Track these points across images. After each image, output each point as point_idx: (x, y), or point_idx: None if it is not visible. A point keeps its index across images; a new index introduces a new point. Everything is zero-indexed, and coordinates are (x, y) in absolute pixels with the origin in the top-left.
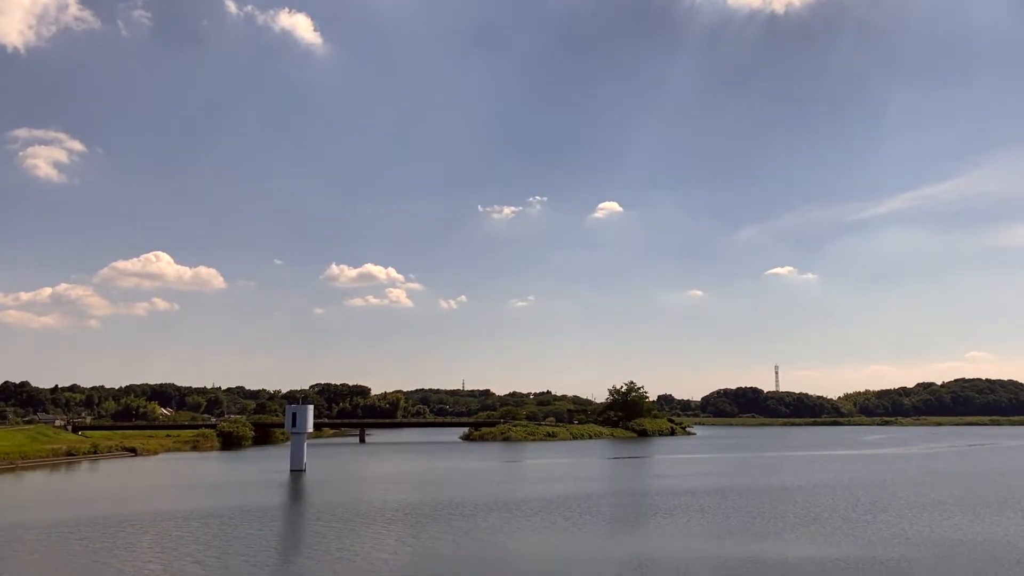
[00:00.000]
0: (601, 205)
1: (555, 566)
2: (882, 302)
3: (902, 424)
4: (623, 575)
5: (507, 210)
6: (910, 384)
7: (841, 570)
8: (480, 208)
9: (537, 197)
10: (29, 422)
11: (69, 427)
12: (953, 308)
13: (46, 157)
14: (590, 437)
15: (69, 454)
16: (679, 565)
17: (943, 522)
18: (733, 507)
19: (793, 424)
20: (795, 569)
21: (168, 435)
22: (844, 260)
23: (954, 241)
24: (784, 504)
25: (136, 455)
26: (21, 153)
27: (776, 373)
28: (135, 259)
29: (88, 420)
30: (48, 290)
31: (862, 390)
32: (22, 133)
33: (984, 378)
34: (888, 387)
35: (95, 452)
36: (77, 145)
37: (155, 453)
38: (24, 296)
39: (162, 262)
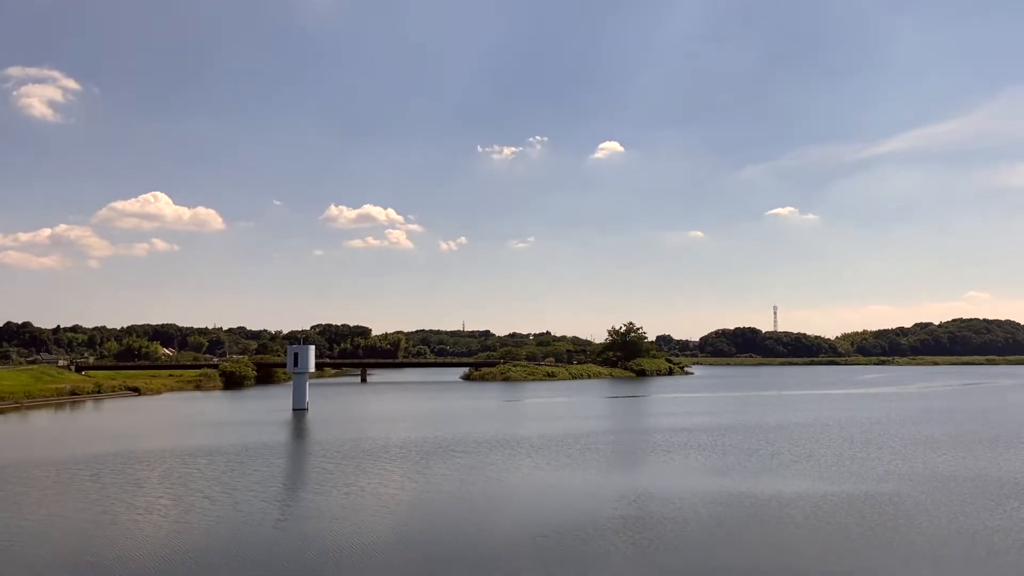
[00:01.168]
0: (602, 145)
1: (556, 501)
2: (882, 242)
3: (898, 364)
4: (621, 509)
5: (507, 151)
6: (908, 324)
7: (833, 505)
8: (480, 149)
9: (537, 137)
10: (32, 362)
11: (72, 367)
12: (953, 248)
13: (40, 96)
14: (589, 377)
15: (73, 394)
16: (676, 500)
17: (936, 458)
18: (729, 444)
19: (790, 364)
20: (789, 504)
21: (171, 375)
22: (845, 201)
23: (956, 181)
24: (780, 442)
25: (139, 395)
26: (15, 92)
27: (775, 313)
28: (133, 199)
29: (91, 360)
30: (47, 231)
31: (860, 330)
32: (15, 72)
33: (982, 318)
34: (886, 327)
35: (99, 392)
36: (72, 83)
37: (158, 393)
38: (23, 237)
39: (160, 203)
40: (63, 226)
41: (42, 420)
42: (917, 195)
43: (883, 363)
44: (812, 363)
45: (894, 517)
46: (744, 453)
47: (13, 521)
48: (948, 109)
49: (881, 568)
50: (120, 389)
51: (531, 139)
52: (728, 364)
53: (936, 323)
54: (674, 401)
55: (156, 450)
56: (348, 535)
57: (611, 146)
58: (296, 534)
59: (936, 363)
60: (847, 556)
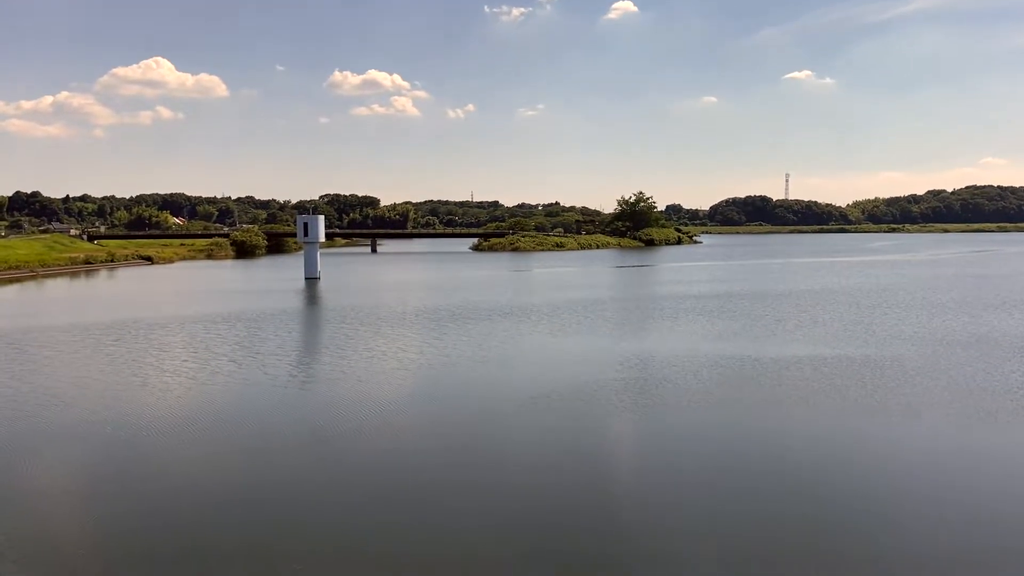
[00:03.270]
0: (615, 5)
1: (562, 365)
2: (899, 107)
3: (909, 231)
4: (624, 372)
5: (516, 11)
6: (920, 192)
7: (834, 367)
8: (487, 9)
9: None
10: (45, 231)
11: (84, 236)
12: (971, 112)
13: None
14: (597, 247)
15: (87, 262)
16: (678, 363)
17: (940, 323)
18: (735, 311)
19: (800, 232)
20: (790, 366)
21: (182, 244)
22: (864, 64)
23: (978, 42)
24: (786, 308)
25: (152, 263)
26: None
27: (786, 181)
28: (135, 66)
29: (102, 229)
30: (49, 98)
31: (871, 198)
32: None
33: (996, 185)
34: (898, 195)
35: (112, 260)
36: None
37: (171, 262)
38: (26, 105)
39: (163, 69)
40: (65, 93)
41: (59, 288)
42: (939, 57)
43: (893, 231)
44: (822, 231)
45: (893, 379)
46: (749, 319)
47: (46, 384)
48: None
49: (875, 427)
50: (133, 258)
51: None
52: (737, 233)
53: (949, 190)
54: (681, 270)
55: (175, 316)
56: (374, 395)
57: (625, 5)
58: (324, 394)
59: (947, 231)
60: (843, 415)
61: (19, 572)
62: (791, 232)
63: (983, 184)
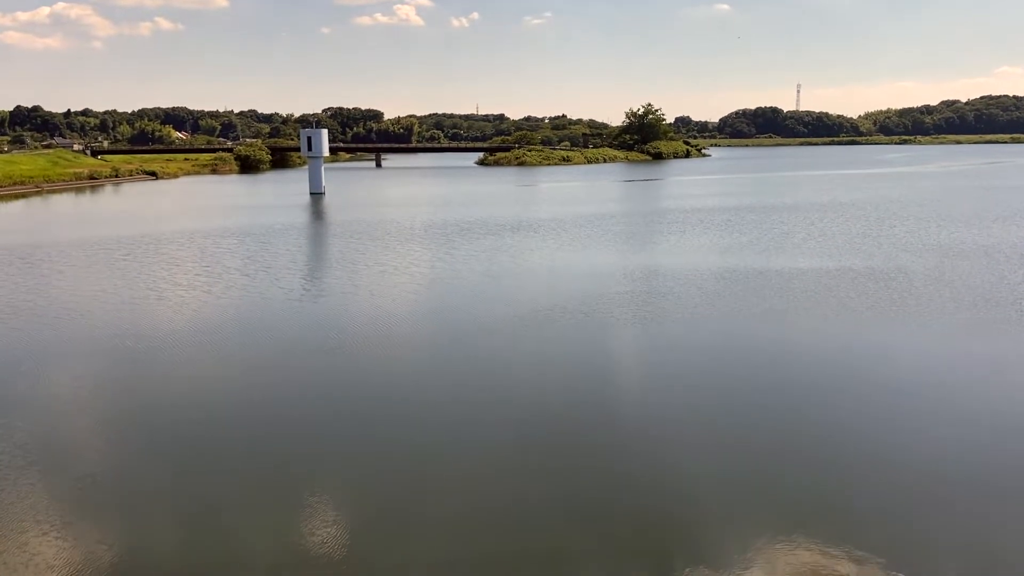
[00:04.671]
0: None
1: (567, 279)
2: (916, 14)
3: (921, 143)
4: (628, 285)
5: None
6: (934, 102)
7: (838, 279)
8: None
9: None
10: (47, 146)
11: (87, 151)
12: (989, 19)
13: None
14: (605, 161)
15: (91, 178)
16: (682, 276)
17: (947, 235)
18: (742, 225)
19: (810, 144)
20: (794, 278)
21: (186, 159)
22: None
23: None
24: (793, 221)
25: (156, 179)
26: None
27: (798, 92)
28: None
29: (105, 144)
30: (46, 9)
31: (883, 109)
32: None
33: (1011, 95)
34: (911, 106)
35: (116, 176)
36: None
37: (175, 177)
38: (22, 16)
39: None
40: (62, 4)
41: (65, 204)
42: None
43: (904, 143)
44: (832, 143)
45: (898, 291)
46: (756, 233)
47: (62, 298)
48: None
49: (878, 336)
50: (137, 173)
51: None
52: (746, 146)
53: (963, 100)
54: (690, 184)
55: (184, 231)
56: (386, 308)
57: None
58: (338, 308)
59: (959, 142)
60: (847, 326)
61: (41, 475)
62: (801, 145)
63: (998, 94)
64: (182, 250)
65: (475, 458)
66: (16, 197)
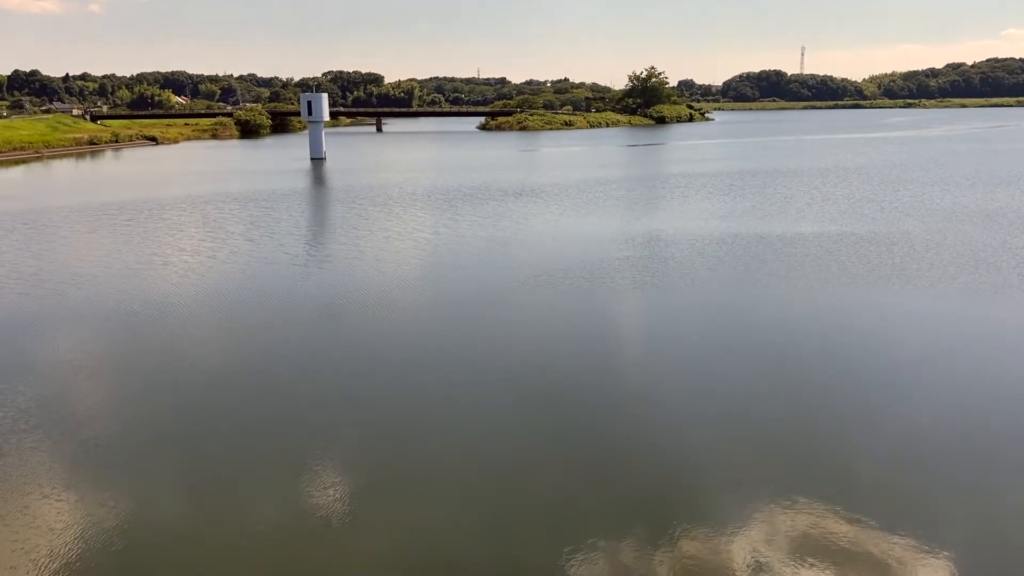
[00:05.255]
0: None
1: (569, 244)
2: None
3: (925, 107)
4: (629, 250)
5: None
6: (939, 65)
7: (840, 243)
8: None
9: None
10: (47, 111)
11: (87, 116)
12: None
13: None
14: (607, 125)
15: (91, 143)
16: (683, 241)
17: (951, 199)
18: (744, 190)
19: (814, 108)
20: (795, 243)
21: (186, 124)
22: None
23: None
24: (796, 186)
25: (157, 144)
26: None
27: (802, 55)
28: None
29: (105, 109)
30: None
31: (888, 72)
32: None
33: (1018, 57)
34: (916, 68)
35: (116, 141)
36: None
37: (176, 142)
38: None
39: None
40: None
41: (65, 169)
42: None
43: (909, 106)
44: (836, 107)
45: (900, 255)
46: (758, 197)
47: (68, 263)
48: None
49: (879, 300)
50: (137, 138)
51: None
52: (750, 109)
53: (969, 63)
54: (692, 148)
55: (186, 196)
56: (391, 273)
57: None
58: (344, 273)
59: (964, 105)
60: (848, 289)
61: (45, 438)
62: (805, 108)
63: (1004, 56)
64: (185, 215)
65: (478, 421)
66: (16, 163)
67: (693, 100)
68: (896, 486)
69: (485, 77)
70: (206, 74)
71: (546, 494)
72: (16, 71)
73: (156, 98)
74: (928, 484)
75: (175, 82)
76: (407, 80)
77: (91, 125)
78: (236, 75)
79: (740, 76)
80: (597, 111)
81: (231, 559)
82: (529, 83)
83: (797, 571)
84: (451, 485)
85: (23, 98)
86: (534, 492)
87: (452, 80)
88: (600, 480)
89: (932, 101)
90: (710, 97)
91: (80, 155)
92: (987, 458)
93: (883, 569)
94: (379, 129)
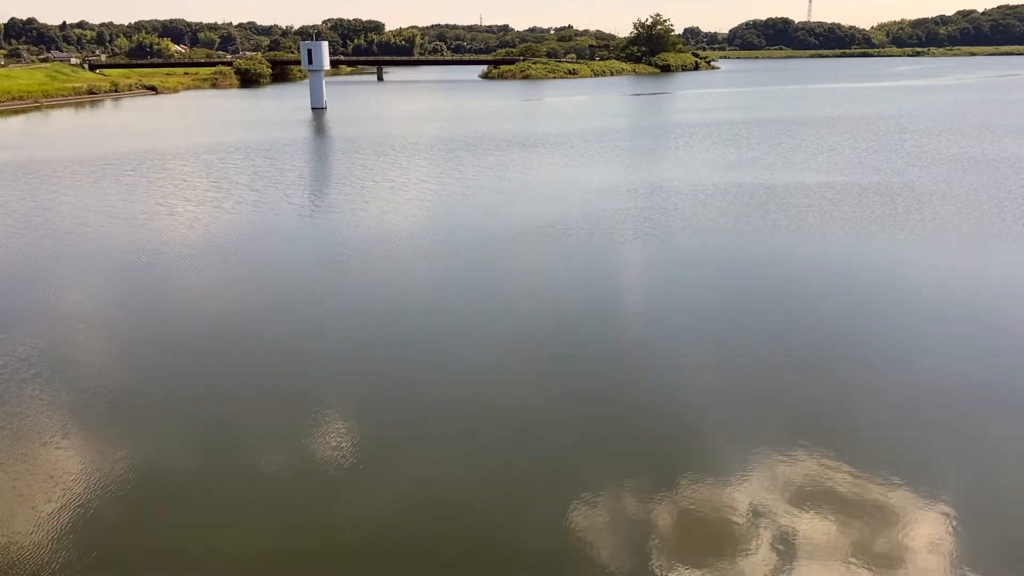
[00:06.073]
0: None
1: (581, 190)
2: None
3: (934, 55)
4: (631, 201)
5: None
6: (949, 12)
7: (840, 193)
8: None
9: None
10: (45, 60)
11: (85, 65)
12: None
13: None
14: (612, 74)
15: (91, 92)
16: (687, 192)
17: (957, 149)
18: (750, 139)
19: (821, 56)
20: (799, 193)
21: (186, 73)
22: None
23: None
24: (802, 136)
25: (157, 93)
26: None
27: (809, 1)
28: None
29: (103, 58)
30: None
31: (896, 19)
32: None
33: None
34: (925, 16)
35: (116, 90)
36: None
37: (175, 91)
38: None
39: None
40: None
41: (65, 119)
42: None
43: (918, 54)
44: (843, 55)
45: (904, 205)
46: (763, 147)
47: (74, 213)
48: None
49: (882, 249)
50: (136, 88)
51: None
52: (756, 58)
53: (980, 10)
54: (697, 97)
55: (188, 147)
56: (396, 223)
57: None
58: (351, 224)
59: (973, 54)
60: (851, 239)
61: (45, 384)
62: (812, 57)
63: (1016, 3)
64: (188, 165)
65: (482, 370)
66: (15, 112)
67: (699, 48)
68: (896, 433)
69: (488, 24)
70: (205, 22)
71: (550, 442)
72: (13, 19)
73: (155, 47)
74: (928, 431)
75: (174, 30)
76: (408, 28)
77: (90, 74)
78: (235, 23)
79: (746, 24)
80: (601, 59)
81: (237, 506)
82: (532, 31)
83: (797, 518)
84: (456, 434)
85: (20, 47)
86: (538, 439)
87: (454, 28)
88: (604, 428)
89: (941, 49)
90: (716, 45)
91: (79, 105)
92: (987, 406)
93: (883, 515)
94: (380, 78)
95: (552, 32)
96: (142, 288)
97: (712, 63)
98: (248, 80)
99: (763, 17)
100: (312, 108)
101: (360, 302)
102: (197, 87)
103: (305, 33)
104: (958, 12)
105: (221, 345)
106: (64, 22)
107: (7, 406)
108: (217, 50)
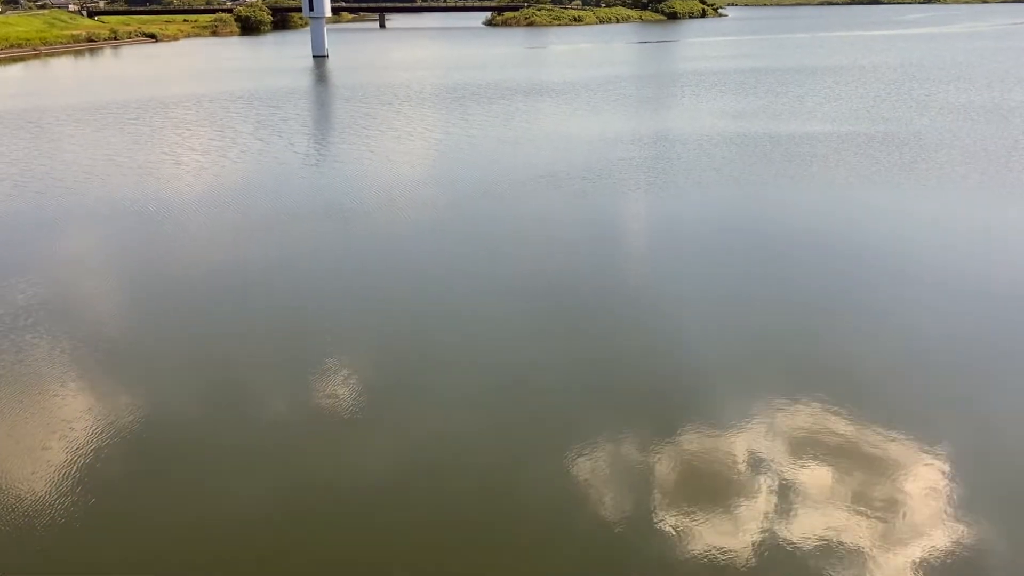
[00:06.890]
0: None
1: (586, 139)
2: None
3: (946, 3)
4: (635, 151)
5: None
6: None
7: (846, 143)
8: None
9: None
10: (42, 7)
11: (84, 12)
12: None
13: None
14: (617, 21)
15: (90, 40)
16: (691, 141)
17: (966, 98)
18: (757, 87)
19: (831, 4)
20: (803, 142)
21: (185, 20)
22: None
23: None
24: (810, 84)
25: (156, 41)
26: None
27: None
28: None
29: (102, 4)
30: None
31: None
32: None
33: None
34: None
35: (115, 38)
36: None
37: (175, 39)
38: None
39: None
40: None
41: (65, 67)
42: None
43: (929, 2)
44: (853, 3)
45: (910, 155)
46: (771, 96)
47: (78, 161)
48: None
49: (886, 198)
50: (136, 35)
51: None
52: (765, 5)
53: None
54: (705, 45)
55: (190, 95)
56: (403, 173)
57: None
58: (356, 173)
59: (986, 1)
60: (854, 189)
61: (47, 332)
62: (821, 4)
63: None
64: (191, 114)
65: (485, 320)
66: (14, 60)
67: None
68: (896, 385)
69: None
70: None
71: (551, 392)
72: None
73: None
74: (928, 383)
75: None
76: None
77: (88, 21)
78: None
79: None
80: (607, 6)
81: (240, 454)
82: None
83: (796, 467)
84: (459, 384)
85: None
86: (539, 390)
87: None
88: (604, 379)
89: None
90: None
91: (79, 52)
92: (988, 357)
93: (881, 465)
94: (382, 25)
95: None
96: (150, 237)
97: (720, 11)
98: (248, 27)
99: None
100: (313, 56)
101: (365, 251)
102: (197, 35)
103: None
104: None
105: (229, 293)
106: None
107: (10, 353)
108: None
